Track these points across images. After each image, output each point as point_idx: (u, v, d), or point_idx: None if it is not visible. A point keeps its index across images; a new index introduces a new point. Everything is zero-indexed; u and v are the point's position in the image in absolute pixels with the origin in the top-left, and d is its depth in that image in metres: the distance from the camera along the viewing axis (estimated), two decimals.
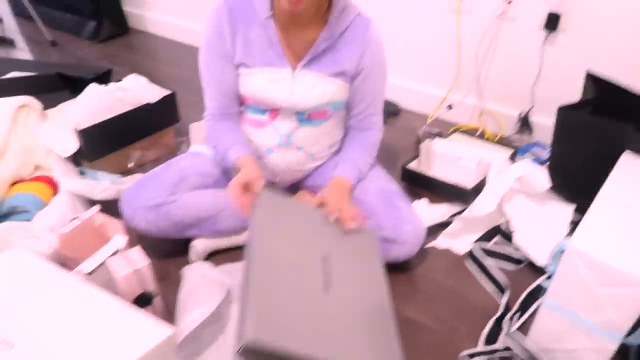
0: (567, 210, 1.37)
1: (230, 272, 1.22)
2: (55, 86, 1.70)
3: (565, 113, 1.30)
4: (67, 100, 1.58)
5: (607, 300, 0.89)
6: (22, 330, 0.86)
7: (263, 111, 1.24)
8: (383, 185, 1.27)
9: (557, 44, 1.62)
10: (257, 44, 1.17)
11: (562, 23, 1.57)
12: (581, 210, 1.34)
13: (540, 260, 1.24)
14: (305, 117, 1.24)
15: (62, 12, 2.70)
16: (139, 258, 1.04)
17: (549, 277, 1.21)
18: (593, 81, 1.39)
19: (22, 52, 2.51)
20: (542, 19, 1.60)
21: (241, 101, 1.27)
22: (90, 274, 1.03)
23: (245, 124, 1.28)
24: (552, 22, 1.57)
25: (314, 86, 1.19)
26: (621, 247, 0.90)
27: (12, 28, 2.77)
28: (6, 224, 1.15)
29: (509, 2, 1.62)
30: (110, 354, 0.81)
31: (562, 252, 1.16)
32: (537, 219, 1.35)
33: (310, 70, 1.18)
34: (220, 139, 1.24)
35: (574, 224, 1.32)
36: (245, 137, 1.27)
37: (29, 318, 0.89)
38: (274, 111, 1.23)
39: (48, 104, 1.56)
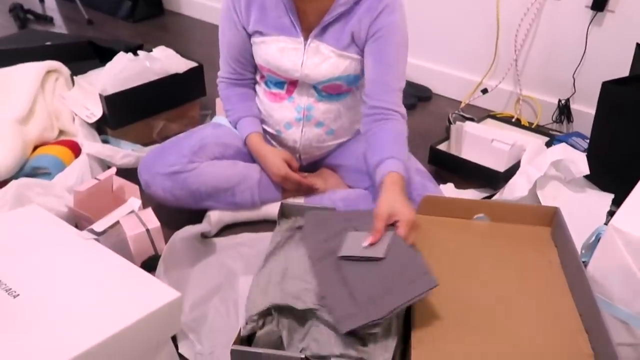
0: (605, 199, 1.27)
1: (245, 243, 1.19)
2: (86, 54, 1.70)
3: (611, 89, 1.20)
4: (96, 68, 1.59)
5: None
6: (27, 281, 0.85)
7: (281, 84, 1.22)
8: (417, 165, 1.25)
9: (603, 26, 1.52)
10: (272, 11, 1.14)
11: (611, 1, 1.47)
12: (620, 200, 1.24)
13: None
14: (321, 90, 1.20)
15: None
16: (150, 219, 1.02)
17: None
18: None
19: (60, 29, 2.56)
20: None
21: (259, 74, 1.26)
22: (101, 233, 1.01)
23: (264, 99, 1.26)
24: (600, 0, 1.47)
25: (324, 59, 1.15)
26: None
27: (51, 7, 2.83)
28: (25, 180, 1.15)
29: None
30: (115, 312, 0.79)
31: (598, 240, 1.08)
32: (572, 208, 1.25)
33: (322, 42, 1.14)
34: (231, 104, 1.28)
35: (612, 214, 1.23)
36: (254, 107, 1.28)
37: (36, 271, 0.88)
38: (292, 84, 1.21)
39: (78, 72, 1.56)
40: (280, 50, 1.15)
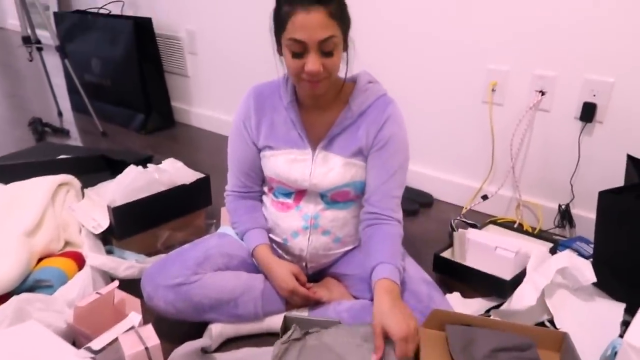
0: (617, 309, 1.24)
1: (246, 358, 1.14)
2: (98, 167, 1.77)
3: (608, 198, 1.22)
4: (107, 180, 1.64)
5: None
6: None
7: (289, 194, 1.25)
8: (422, 275, 1.23)
9: (594, 135, 1.58)
10: (281, 126, 1.22)
11: (599, 114, 1.54)
12: (632, 309, 1.21)
13: None
14: (329, 198, 1.23)
15: (115, 106, 2.91)
16: (150, 336, 0.99)
17: None
18: (634, 165, 1.32)
19: (75, 141, 2.68)
20: (577, 109, 1.58)
21: (268, 185, 1.30)
22: (99, 352, 0.98)
23: (272, 208, 1.28)
24: (588, 112, 1.54)
25: (333, 167, 1.19)
26: None
27: (69, 121, 2.99)
28: (26, 295, 1.14)
29: (542, 94, 1.62)
30: None
31: (615, 354, 1.04)
32: (583, 318, 1.22)
33: (330, 151, 1.20)
34: (239, 216, 1.30)
35: (626, 325, 1.19)
36: (262, 218, 1.30)
37: None
38: (299, 193, 1.24)
39: (89, 184, 1.61)
40: (289, 162, 1.20)
